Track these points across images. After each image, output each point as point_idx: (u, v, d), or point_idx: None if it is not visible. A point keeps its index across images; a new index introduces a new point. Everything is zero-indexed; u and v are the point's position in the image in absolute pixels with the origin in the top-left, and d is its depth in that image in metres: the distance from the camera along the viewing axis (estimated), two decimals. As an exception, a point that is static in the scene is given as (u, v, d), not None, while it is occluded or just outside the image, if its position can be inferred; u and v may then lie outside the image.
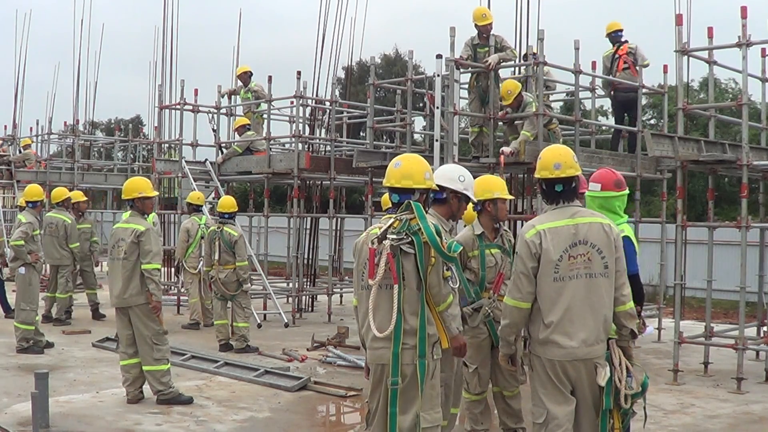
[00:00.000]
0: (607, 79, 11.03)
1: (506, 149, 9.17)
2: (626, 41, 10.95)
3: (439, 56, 9.27)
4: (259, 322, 11.39)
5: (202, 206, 11.66)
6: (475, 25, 10.05)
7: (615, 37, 11.02)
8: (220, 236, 9.61)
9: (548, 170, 4.27)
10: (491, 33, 10.10)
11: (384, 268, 4.03)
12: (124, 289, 6.96)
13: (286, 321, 11.69)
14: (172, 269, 14.40)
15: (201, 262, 11.28)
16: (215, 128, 13.62)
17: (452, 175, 4.97)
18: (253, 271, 11.49)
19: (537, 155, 4.51)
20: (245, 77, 13.64)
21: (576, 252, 4.12)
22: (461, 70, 9.71)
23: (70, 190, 13.37)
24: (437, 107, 9.14)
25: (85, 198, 12.52)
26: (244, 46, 22.63)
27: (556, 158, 4.27)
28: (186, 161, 13.03)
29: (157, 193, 9.16)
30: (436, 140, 9.10)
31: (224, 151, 13.39)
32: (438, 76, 9.23)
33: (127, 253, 6.96)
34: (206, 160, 13.37)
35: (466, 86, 10.60)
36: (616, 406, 4.15)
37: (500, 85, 9.90)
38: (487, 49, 10.00)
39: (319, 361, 9.14)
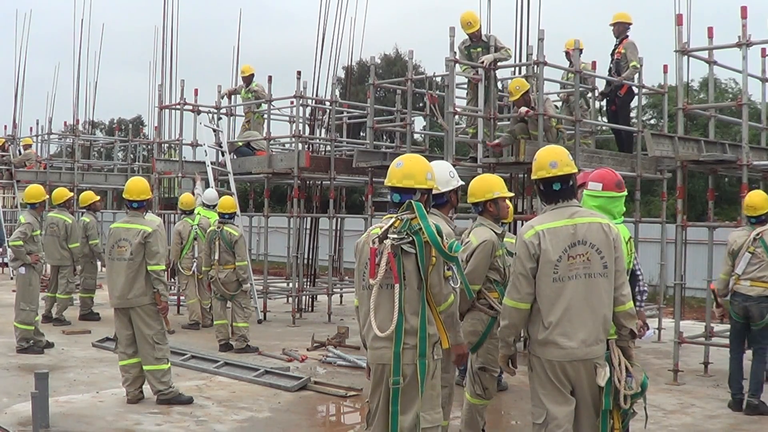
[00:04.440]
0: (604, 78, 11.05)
1: (495, 141, 9.53)
2: (626, 37, 10.88)
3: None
4: (259, 317, 11.52)
5: (192, 210, 11.64)
6: (465, 32, 10.16)
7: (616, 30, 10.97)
8: (220, 236, 9.60)
9: (545, 169, 4.27)
10: (483, 33, 10.28)
11: (385, 268, 4.03)
12: (128, 289, 6.95)
13: (260, 318, 11.75)
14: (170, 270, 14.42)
15: (195, 263, 11.30)
16: (216, 128, 13.59)
17: (444, 177, 4.99)
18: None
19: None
20: (249, 78, 13.68)
21: (575, 252, 4.12)
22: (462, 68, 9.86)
23: (71, 190, 13.43)
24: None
25: (99, 197, 12.54)
26: (244, 44, 22.58)
27: (552, 157, 4.28)
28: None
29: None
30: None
31: (225, 152, 13.37)
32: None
33: (133, 253, 6.94)
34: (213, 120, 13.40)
35: (465, 86, 10.64)
36: (615, 406, 4.15)
37: (497, 84, 9.96)
38: (479, 49, 10.14)
39: (319, 361, 9.14)
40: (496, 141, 9.66)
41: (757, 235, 7.18)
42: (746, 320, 7.26)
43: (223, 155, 13.03)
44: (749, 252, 7.18)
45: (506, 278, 5.35)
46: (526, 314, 4.23)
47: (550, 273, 4.11)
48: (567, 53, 10.88)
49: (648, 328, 5.10)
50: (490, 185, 5.56)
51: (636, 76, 10.83)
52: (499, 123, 10.21)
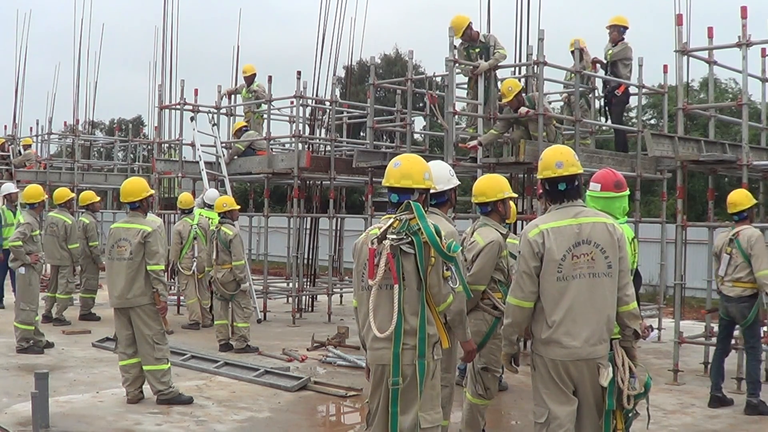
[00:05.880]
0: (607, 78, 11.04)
1: (473, 142, 9.56)
2: (622, 39, 10.89)
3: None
4: (259, 317, 11.57)
5: (191, 209, 11.65)
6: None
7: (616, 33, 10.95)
8: (218, 236, 9.65)
9: (550, 169, 4.29)
10: (482, 34, 10.30)
11: (384, 269, 4.02)
12: (128, 289, 6.94)
13: (259, 318, 11.80)
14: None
15: (194, 263, 11.31)
16: (211, 133, 13.55)
17: (445, 175, 4.99)
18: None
19: (537, 155, 4.53)
20: (251, 78, 13.68)
21: (579, 251, 4.12)
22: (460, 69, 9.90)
23: (72, 190, 13.42)
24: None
25: (99, 198, 12.55)
26: (244, 44, 22.61)
27: (558, 157, 4.29)
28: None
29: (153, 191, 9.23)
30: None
31: (225, 152, 13.37)
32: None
33: (133, 253, 6.94)
34: (214, 125, 13.47)
35: (465, 87, 10.64)
36: (618, 406, 4.15)
37: (498, 84, 9.97)
38: (477, 49, 10.14)
39: (319, 361, 9.14)
40: (473, 142, 9.63)
41: (734, 235, 7.27)
42: (731, 320, 7.36)
43: (218, 158, 13.04)
44: (726, 253, 7.28)
45: (510, 278, 5.35)
46: (530, 313, 4.23)
47: (554, 272, 4.12)
48: (579, 51, 10.85)
49: (652, 330, 5.12)
50: (501, 185, 5.56)
51: (635, 76, 10.85)
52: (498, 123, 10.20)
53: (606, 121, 11.21)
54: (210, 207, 11.39)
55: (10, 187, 12.57)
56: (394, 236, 4.05)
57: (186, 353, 8.85)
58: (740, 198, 7.38)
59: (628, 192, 4.76)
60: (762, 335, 7.49)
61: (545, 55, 9.13)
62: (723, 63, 9.09)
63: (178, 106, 13.73)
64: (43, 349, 9.26)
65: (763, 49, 9.58)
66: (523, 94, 9.52)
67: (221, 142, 13.36)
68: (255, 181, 14.29)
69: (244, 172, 13.11)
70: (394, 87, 14.65)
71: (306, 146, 12.94)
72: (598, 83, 11.38)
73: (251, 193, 15.93)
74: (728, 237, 7.33)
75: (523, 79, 10.41)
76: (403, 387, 4.06)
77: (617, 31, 10.83)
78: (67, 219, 11.45)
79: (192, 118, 13.57)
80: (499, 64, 10.09)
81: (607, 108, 11.10)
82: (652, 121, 22.94)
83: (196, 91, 13.86)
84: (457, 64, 9.80)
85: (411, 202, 4.14)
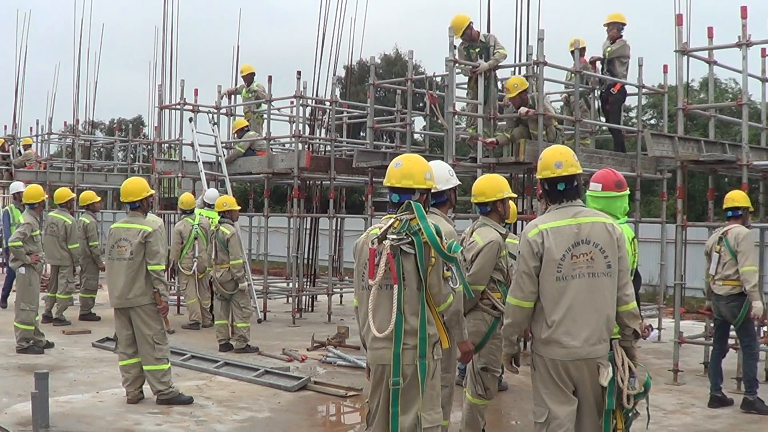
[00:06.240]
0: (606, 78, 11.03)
1: (491, 138, 9.52)
2: (620, 37, 10.86)
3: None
4: (259, 317, 11.60)
5: (192, 209, 11.65)
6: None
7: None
8: (216, 235, 9.67)
9: (550, 169, 4.29)
10: (482, 34, 10.30)
11: (384, 269, 4.02)
12: (128, 289, 6.95)
13: (260, 317, 11.81)
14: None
15: (195, 263, 11.32)
16: (212, 133, 13.56)
17: (444, 175, 5.00)
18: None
19: (536, 155, 4.53)
20: (249, 78, 13.68)
21: (579, 251, 4.13)
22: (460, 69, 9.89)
23: (72, 190, 13.41)
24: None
25: (99, 198, 12.54)
26: (244, 44, 22.60)
27: (557, 157, 4.30)
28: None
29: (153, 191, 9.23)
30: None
31: (225, 152, 13.38)
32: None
33: (133, 253, 6.94)
34: (214, 124, 13.47)
35: (465, 87, 10.64)
36: (618, 406, 4.15)
37: (498, 84, 9.97)
38: (477, 49, 10.14)
39: (319, 361, 9.14)
40: (492, 139, 9.63)
41: (723, 234, 7.33)
42: (724, 319, 7.40)
43: (219, 159, 13.03)
44: (716, 252, 7.35)
45: (509, 278, 5.34)
46: (530, 313, 4.24)
47: (554, 272, 4.12)
48: (579, 51, 10.84)
49: (651, 329, 5.12)
50: (500, 185, 5.57)
51: (636, 76, 10.84)
52: (498, 123, 10.21)
53: (605, 121, 11.20)
54: (210, 207, 11.41)
55: (18, 185, 12.61)
56: (395, 236, 4.05)
57: (186, 353, 8.85)
58: (738, 196, 7.50)
59: (628, 191, 4.76)
60: (762, 335, 7.51)
61: (545, 55, 9.12)
62: (723, 63, 9.09)
63: (178, 106, 13.72)
64: (43, 349, 9.26)
65: (763, 49, 9.58)
66: (527, 94, 9.50)
67: (222, 142, 13.37)
68: (255, 181, 14.29)
69: (244, 172, 13.11)
70: (394, 87, 14.64)
71: (306, 146, 12.94)
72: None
73: (251, 193, 15.92)
74: (718, 236, 7.40)
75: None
76: (404, 387, 4.07)
77: (615, 29, 10.81)
78: (67, 219, 11.46)
79: (191, 119, 13.56)
80: (499, 64, 10.09)
81: (603, 107, 11.10)
82: (652, 121, 22.95)
83: (196, 91, 13.87)
84: (457, 64, 9.81)
85: (412, 202, 4.15)
